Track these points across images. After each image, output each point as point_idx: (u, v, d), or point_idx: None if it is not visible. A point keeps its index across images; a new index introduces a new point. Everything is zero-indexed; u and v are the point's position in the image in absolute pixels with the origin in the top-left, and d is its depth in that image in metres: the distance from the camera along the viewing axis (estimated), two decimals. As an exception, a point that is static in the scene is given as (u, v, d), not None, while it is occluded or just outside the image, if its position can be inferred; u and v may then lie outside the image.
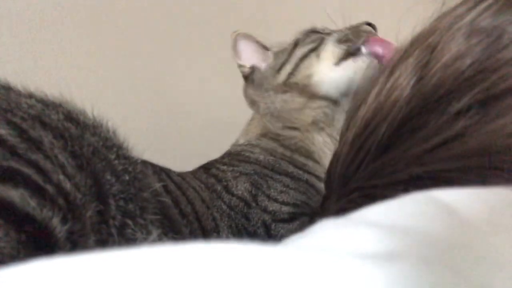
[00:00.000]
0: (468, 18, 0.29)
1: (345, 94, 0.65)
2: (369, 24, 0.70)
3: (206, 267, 0.15)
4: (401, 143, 0.30)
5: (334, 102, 0.66)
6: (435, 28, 0.31)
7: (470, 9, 0.30)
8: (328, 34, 0.70)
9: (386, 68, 0.33)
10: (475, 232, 0.17)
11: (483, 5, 0.29)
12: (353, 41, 0.65)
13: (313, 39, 0.70)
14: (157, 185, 0.45)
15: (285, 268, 0.15)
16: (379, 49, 0.63)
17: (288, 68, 0.68)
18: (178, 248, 0.16)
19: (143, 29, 1.01)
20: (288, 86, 0.68)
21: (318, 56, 0.67)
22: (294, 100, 0.67)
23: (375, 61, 0.63)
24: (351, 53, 0.64)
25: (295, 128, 0.67)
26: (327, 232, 0.19)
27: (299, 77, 0.67)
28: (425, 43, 0.31)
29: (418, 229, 0.17)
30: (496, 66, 0.27)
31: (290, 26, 0.73)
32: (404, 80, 0.30)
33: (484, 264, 0.15)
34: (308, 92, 0.66)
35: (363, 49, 0.64)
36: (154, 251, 0.16)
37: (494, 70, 0.27)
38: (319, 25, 0.73)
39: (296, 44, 0.70)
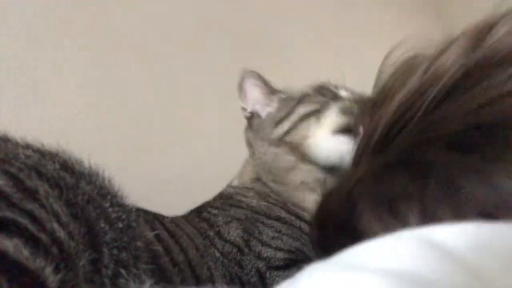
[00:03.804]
0: None
1: (333, 165, 0.62)
2: None
3: None
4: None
5: (324, 169, 0.64)
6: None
7: None
8: (336, 97, 0.69)
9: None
10: (467, 270, 0.18)
11: None
12: (355, 117, 0.62)
13: (318, 100, 0.69)
14: (150, 235, 0.45)
15: None
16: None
17: (286, 125, 0.67)
18: None
19: (144, 79, 1.04)
20: (282, 142, 0.67)
21: (318, 119, 0.66)
22: (285, 158, 0.66)
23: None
24: (349, 129, 0.62)
25: (284, 184, 0.66)
26: (316, 278, 0.19)
27: (294, 137, 0.66)
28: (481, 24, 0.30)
29: (411, 272, 0.18)
30: None
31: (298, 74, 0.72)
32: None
33: None
34: (299, 152, 0.65)
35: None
36: None
37: None
38: (327, 74, 0.71)
39: (300, 100, 0.70)
